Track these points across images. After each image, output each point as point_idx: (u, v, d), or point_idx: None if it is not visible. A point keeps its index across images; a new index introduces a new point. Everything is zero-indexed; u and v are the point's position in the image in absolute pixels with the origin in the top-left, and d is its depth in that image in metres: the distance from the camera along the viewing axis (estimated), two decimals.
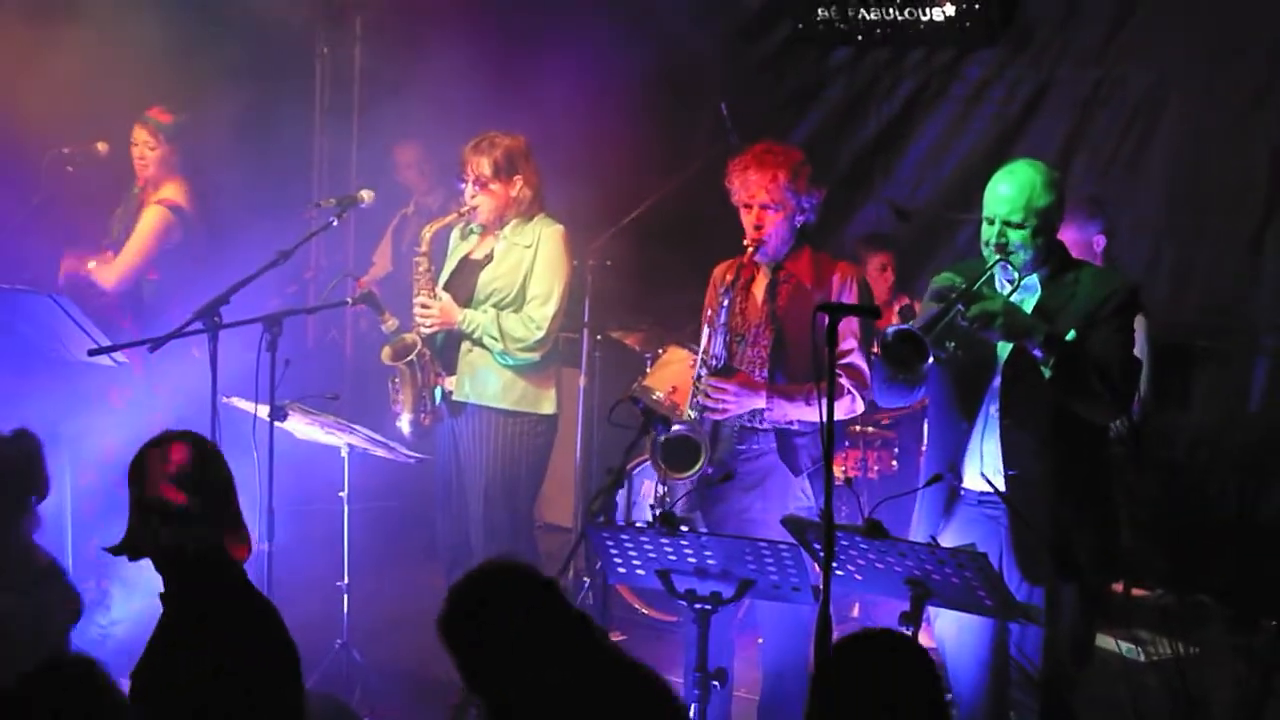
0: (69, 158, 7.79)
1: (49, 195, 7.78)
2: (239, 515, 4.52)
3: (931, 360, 5.15)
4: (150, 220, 7.61)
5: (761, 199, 5.87)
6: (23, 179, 7.87)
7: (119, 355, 6.77)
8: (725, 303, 5.95)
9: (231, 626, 4.35)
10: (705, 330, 6.02)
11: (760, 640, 6.16)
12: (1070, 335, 5.24)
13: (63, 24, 7.86)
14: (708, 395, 5.87)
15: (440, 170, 9.21)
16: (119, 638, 6.84)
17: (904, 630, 4.76)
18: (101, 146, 7.75)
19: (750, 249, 5.91)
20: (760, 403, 5.87)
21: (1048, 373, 5.19)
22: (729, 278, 5.99)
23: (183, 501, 4.34)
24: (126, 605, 7.01)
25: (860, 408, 6.01)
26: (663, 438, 5.86)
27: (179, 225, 7.62)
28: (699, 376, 5.95)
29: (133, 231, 7.63)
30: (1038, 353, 5.19)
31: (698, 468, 5.87)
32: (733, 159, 6.03)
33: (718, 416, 5.91)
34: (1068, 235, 5.95)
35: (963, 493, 5.49)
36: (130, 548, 4.43)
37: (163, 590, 4.42)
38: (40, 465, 5.23)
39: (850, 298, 5.87)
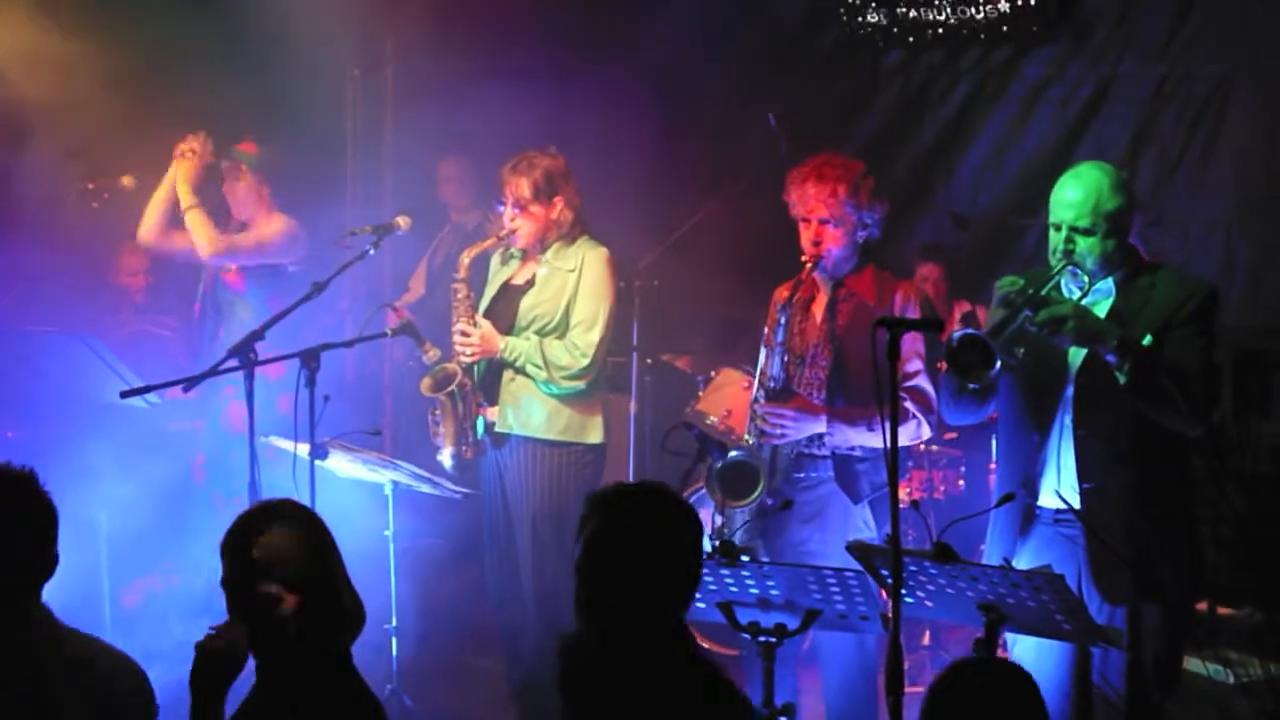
0: (95, 193, 7.60)
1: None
2: (347, 593, 4.17)
3: (999, 367, 4.94)
4: (277, 225, 7.48)
5: (820, 213, 5.70)
6: (51, 216, 7.70)
7: (152, 396, 6.56)
8: (782, 320, 5.74)
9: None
10: (763, 351, 5.84)
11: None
12: (1146, 340, 5.03)
13: (90, 54, 7.67)
14: (765, 421, 5.66)
15: (480, 189, 9.00)
16: None
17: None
18: (127, 181, 7.57)
19: (808, 265, 5.71)
20: (820, 427, 5.69)
21: (1122, 379, 4.97)
22: (786, 295, 5.80)
23: (286, 592, 4.00)
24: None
25: (926, 433, 5.83)
26: (719, 464, 5.69)
27: (304, 243, 7.47)
28: (756, 399, 5.76)
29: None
30: (1111, 358, 4.99)
31: (757, 494, 5.69)
32: (791, 171, 5.84)
33: (776, 442, 5.72)
34: None
35: (1038, 511, 5.27)
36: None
37: (258, 664, 4.08)
38: None
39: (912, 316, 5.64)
